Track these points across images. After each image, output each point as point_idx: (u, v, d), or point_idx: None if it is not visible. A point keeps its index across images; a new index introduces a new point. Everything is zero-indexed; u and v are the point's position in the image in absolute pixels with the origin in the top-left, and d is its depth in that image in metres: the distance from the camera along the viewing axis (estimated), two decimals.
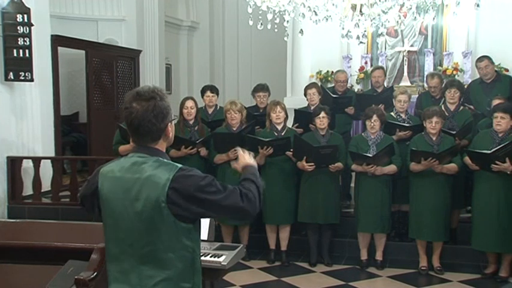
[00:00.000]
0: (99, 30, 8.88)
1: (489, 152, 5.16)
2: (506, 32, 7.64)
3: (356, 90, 7.83)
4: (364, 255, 5.93)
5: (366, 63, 8.29)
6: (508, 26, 7.63)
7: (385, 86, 7.09)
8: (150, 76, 9.14)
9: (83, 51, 8.53)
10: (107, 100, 9.03)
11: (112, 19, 8.81)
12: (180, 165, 2.12)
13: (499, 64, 7.32)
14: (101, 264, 2.88)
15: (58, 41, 7.97)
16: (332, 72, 7.90)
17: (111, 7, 8.79)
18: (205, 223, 3.72)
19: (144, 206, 2.06)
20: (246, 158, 2.40)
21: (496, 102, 5.71)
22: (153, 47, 8.91)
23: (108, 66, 8.87)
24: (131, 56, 9.03)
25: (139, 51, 8.86)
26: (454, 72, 7.82)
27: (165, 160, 2.16)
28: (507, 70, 7.51)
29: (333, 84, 7.23)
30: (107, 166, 2.22)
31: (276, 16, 4.62)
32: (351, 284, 5.44)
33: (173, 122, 2.24)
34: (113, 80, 8.99)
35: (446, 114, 5.88)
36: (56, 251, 3.25)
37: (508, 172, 5.15)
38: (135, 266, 2.10)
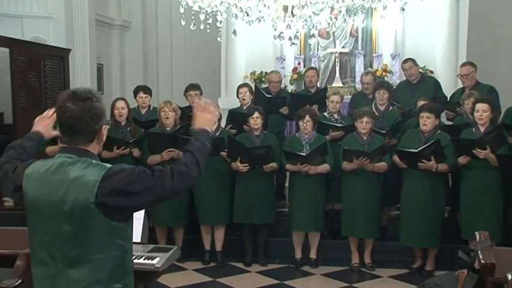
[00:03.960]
0: (24, 28, 8.50)
1: (416, 150, 5.35)
2: (430, 36, 8.00)
3: (290, 90, 7.93)
4: (298, 254, 6.01)
5: (299, 64, 8.42)
6: (432, 30, 7.98)
7: (318, 86, 7.22)
8: (80, 76, 8.86)
9: (7, 49, 8.16)
10: (35, 100, 8.67)
11: (38, 16, 8.46)
12: (109, 165, 2.08)
13: (425, 66, 7.62)
14: (26, 271, 2.76)
15: None
16: (266, 72, 7.96)
17: (37, 3, 8.44)
18: (138, 225, 3.66)
19: (72, 207, 2.01)
20: (202, 117, 2.41)
21: (420, 103, 5.94)
22: (84, 46, 8.64)
23: (35, 65, 8.52)
24: (60, 55, 8.72)
25: (69, 50, 8.57)
26: (384, 73, 8.08)
27: (94, 161, 2.11)
28: (432, 72, 7.84)
29: (267, 85, 7.29)
30: (32, 166, 2.15)
31: (208, 16, 4.60)
32: (285, 283, 5.49)
33: (107, 126, 2.21)
34: (41, 80, 8.65)
35: (377, 114, 6.06)
36: None
37: (433, 170, 5.36)
38: (63, 270, 2.04)
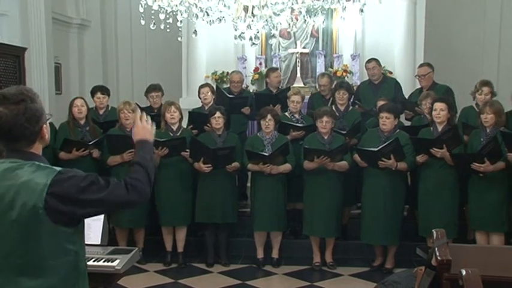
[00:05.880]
0: None
1: (376, 149, 5.44)
2: (389, 37, 8.14)
3: (251, 90, 7.94)
4: (260, 254, 6.02)
5: (260, 64, 8.43)
6: (391, 31, 8.12)
7: (280, 87, 7.25)
8: (37, 75, 8.63)
9: None
10: None
11: None
12: (58, 169, 2.01)
13: (384, 67, 7.75)
14: None
15: None
16: (227, 73, 7.95)
17: None
18: (98, 227, 3.61)
19: (19, 214, 1.93)
20: (142, 128, 2.33)
21: (380, 103, 6.04)
22: (40, 44, 8.42)
23: None
24: (15, 54, 8.48)
25: (25, 49, 8.36)
26: (344, 73, 8.17)
27: (42, 164, 2.03)
28: (391, 72, 7.98)
29: (228, 85, 7.28)
30: None
31: (168, 16, 4.56)
32: (247, 282, 5.49)
33: (48, 122, 2.12)
34: None
35: (337, 114, 6.13)
36: None
37: (393, 168, 5.46)
38: (12, 279, 1.96)
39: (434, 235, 2.92)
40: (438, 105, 5.44)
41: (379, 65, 6.90)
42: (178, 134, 5.89)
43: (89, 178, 2.00)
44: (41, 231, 1.95)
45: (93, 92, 6.49)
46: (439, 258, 2.65)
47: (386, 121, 5.56)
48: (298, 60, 8.26)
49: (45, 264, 1.97)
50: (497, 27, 9.08)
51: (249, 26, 4.51)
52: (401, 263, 5.67)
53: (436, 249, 2.73)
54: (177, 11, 4.52)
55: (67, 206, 1.95)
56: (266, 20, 4.52)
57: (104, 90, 6.49)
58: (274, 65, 8.12)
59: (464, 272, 2.35)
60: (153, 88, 6.65)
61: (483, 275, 2.36)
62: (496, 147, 5.11)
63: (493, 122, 5.25)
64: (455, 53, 8.96)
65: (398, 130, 5.66)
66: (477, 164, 5.14)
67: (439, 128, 5.45)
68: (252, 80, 8.38)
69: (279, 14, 4.52)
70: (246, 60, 8.39)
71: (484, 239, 5.40)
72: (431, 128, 5.55)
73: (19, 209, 1.94)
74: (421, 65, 6.76)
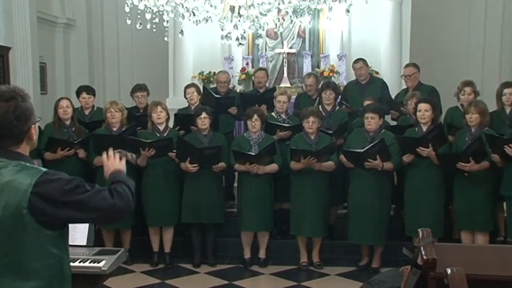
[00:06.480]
0: None
1: (361, 150, 5.46)
2: (375, 38, 8.17)
3: (238, 90, 7.93)
4: (247, 254, 6.02)
5: (247, 64, 8.42)
6: (377, 31, 8.16)
7: (267, 86, 7.25)
8: (22, 75, 8.54)
9: None
10: None
11: None
12: (44, 169, 2.00)
13: (371, 67, 7.78)
14: None
15: None
16: (214, 73, 7.94)
17: None
18: (84, 228, 3.59)
19: (2, 214, 1.92)
20: (111, 163, 2.35)
21: (367, 103, 6.07)
22: (25, 44, 8.33)
23: None
24: None
25: (9, 49, 8.28)
26: (331, 74, 8.18)
27: (28, 164, 2.02)
28: (377, 73, 8.01)
29: (215, 85, 7.27)
30: None
31: (155, 16, 4.54)
32: (234, 283, 5.49)
33: (37, 124, 2.12)
34: None
35: (324, 114, 6.14)
36: None
37: (379, 169, 5.48)
38: None
39: (420, 234, 2.94)
40: (422, 106, 5.48)
41: (367, 65, 6.93)
42: (165, 134, 5.87)
43: (73, 182, 1.98)
44: (25, 231, 1.93)
45: (78, 92, 6.45)
46: (424, 257, 2.67)
47: (371, 121, 5.58)
48: (285, 60, 8.26)
49: (29, 267, 1.95)
50: (481, 28, 9.16)
51: (235, 26, 4.51)
52: (387, 262, 5.68)
53: (422, 248, 2.75)
54: (163, 10, 4.50)
55: (50, 207, 1.93)
56: (253, 20, 4.52)
57: (90, 90, 6.45)
58: (261, 65, 8.11)
59: (449, 271, 2.37)
60: (138, 88, 6.62)
61: (468, 274, 2.39)
62: (481, 147, 5.16)
63: (478, 122, 5.30)
64: (441, 53, 9.03)
65: (383, 130, 5.69)
66: (462, 164, 5.19)
67: (424, 129, 5.49)
68: (238, 80, 8.37)
69: (265, 14, 4.52)
70: (232, 60, 8.37)
71: (469, 238, 5.45)
72: (416, 129, 5.59)
73: (2, 209, 1.92)
74: (407, 65, 6.80)
